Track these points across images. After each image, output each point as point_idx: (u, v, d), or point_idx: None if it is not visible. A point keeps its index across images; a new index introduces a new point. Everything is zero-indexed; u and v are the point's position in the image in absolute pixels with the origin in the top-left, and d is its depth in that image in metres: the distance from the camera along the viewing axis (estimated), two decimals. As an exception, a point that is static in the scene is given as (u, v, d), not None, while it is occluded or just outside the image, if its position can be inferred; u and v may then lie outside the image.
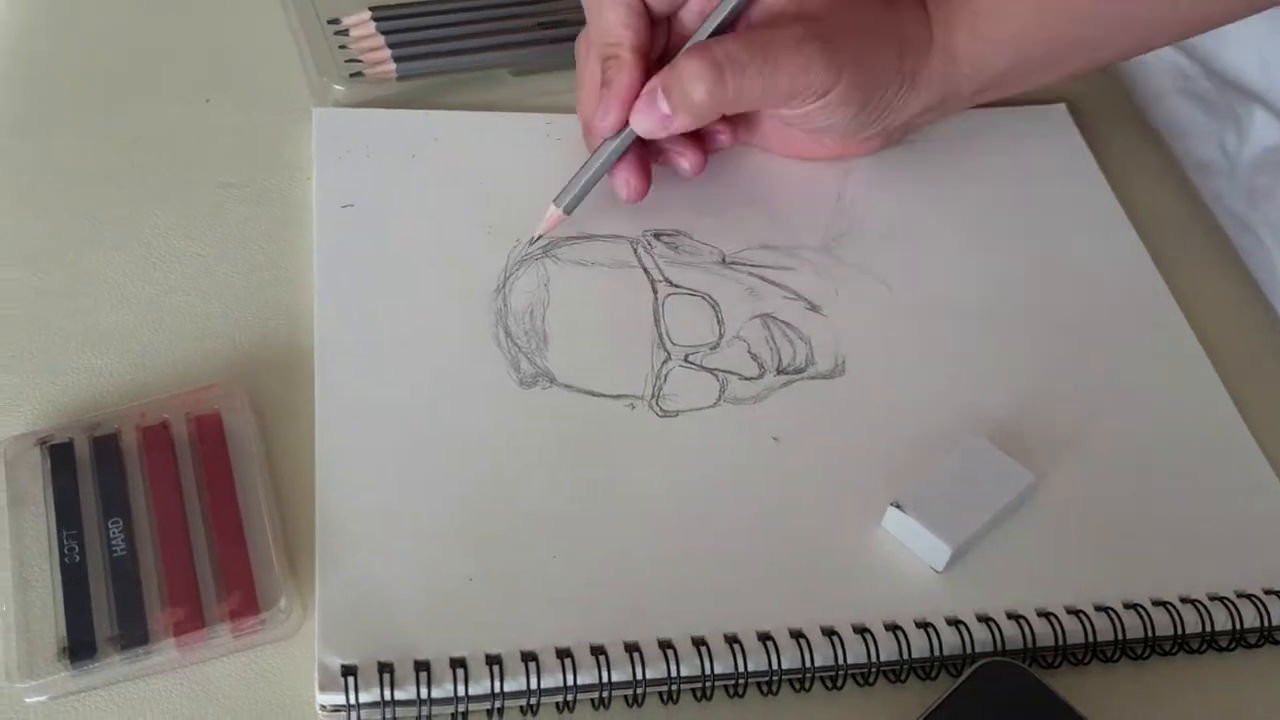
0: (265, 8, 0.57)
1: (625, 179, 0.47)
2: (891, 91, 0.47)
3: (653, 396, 0.44)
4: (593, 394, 0.44)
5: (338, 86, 0.53)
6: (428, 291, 0.46)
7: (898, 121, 0.49)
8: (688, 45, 0.46)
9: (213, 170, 0.50)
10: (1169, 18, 0.47)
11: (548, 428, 0.42)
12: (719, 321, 0.46)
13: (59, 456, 0.40)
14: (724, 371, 0.45)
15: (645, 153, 0.48)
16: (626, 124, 0.46)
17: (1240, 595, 0.40)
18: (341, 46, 0.55)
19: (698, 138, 0.49)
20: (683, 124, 0.45)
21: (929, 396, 0.45)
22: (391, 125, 0.52)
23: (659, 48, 0.48)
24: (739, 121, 0.51)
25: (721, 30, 0.46)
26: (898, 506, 0.40)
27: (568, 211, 0.47)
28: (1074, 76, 0.51)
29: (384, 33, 0.55)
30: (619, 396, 0.44)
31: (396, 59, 0.54)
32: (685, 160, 0.49)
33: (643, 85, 0.45)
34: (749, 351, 0.46)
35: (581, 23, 0.57)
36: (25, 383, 0.42)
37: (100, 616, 0.36)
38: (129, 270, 0.46)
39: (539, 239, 0.46)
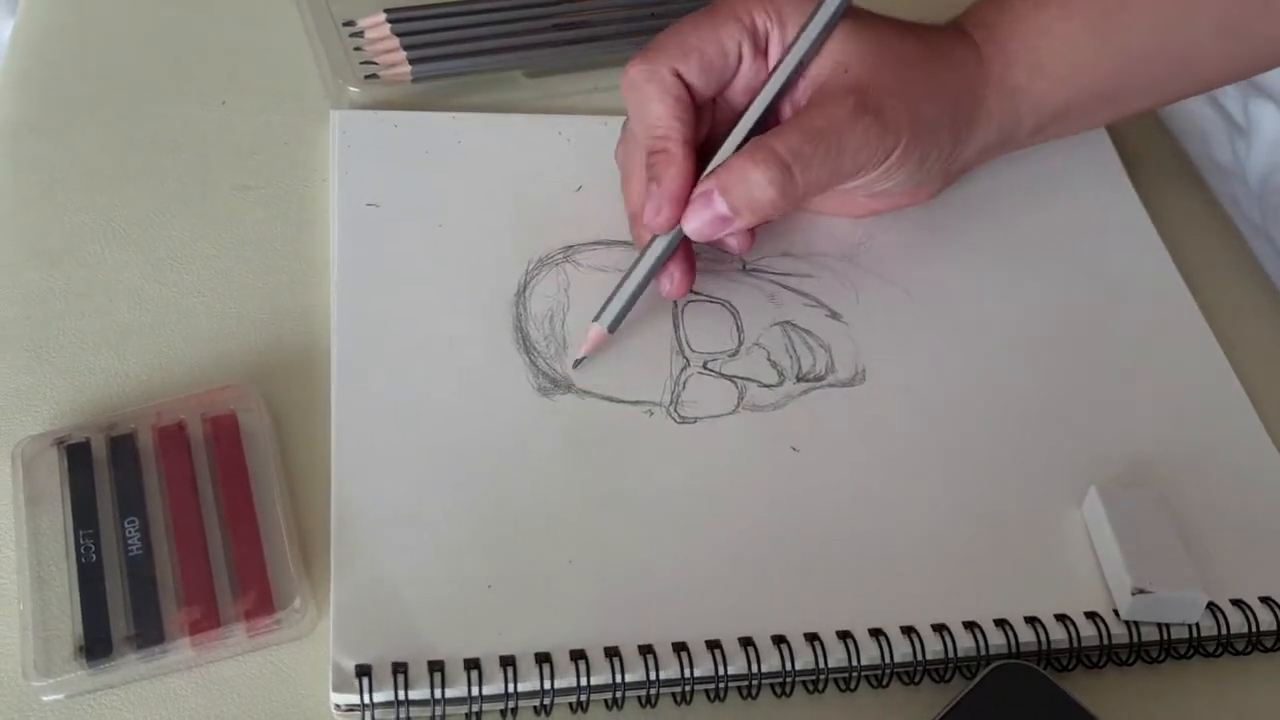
0: (280, 10, 0.57)
1: (671, 274, 0.45)
2: (948, 141, 0.46)
3: (671, 403, 0.44)
4: (611, 400, 0.44)
5: (353, 88, 0.53)
6: (447, 294, 0.46)
7: (957, 166, 0.48)
8: (736, 140, 0.44)
9: (229, 172, 0.50)
10: (1230, 55, 0.47)
11: (565, 433, 0.42)
12: (738, 328, 0.46)
13: (76, 456, 0.40)
14: (743, 379, 0.45)
15: (689, 245, 0.45)
16: (678, 222, 0.44)
17: (1260, 600, 0.40)
18: (357, 49, 0.55)
19: None
20: (746, 224, 0.43)
21: (949, 406, 0.45)
22: (411, 127, 0.52)
23: (702, 134, 0.46)
24: None
25: (767, 114, 0.44)
26: (1143, 591, 0.38)
27: (611, 330, 0.44)
28: (1134, 113, 0.51)
29: (399, 34, 0.55)
30: (638, 403, 0.44)
31: (411, 61, 0.54)
32: (734, 239, 0.46)
33: (693, 178, 0.44)
34: (768, 359, 0.46)
35: (599, 24, 0.58)
36: (43, 383, 0.43)
37: (116, 616, 0.36)
38: (146, 271, 0.46)
39: (580, 361, 0.44)
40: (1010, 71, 0.46)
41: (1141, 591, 0.39)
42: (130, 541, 0.38)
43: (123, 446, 0.40)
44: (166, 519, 0.39)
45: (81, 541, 0.38)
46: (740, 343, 0.46)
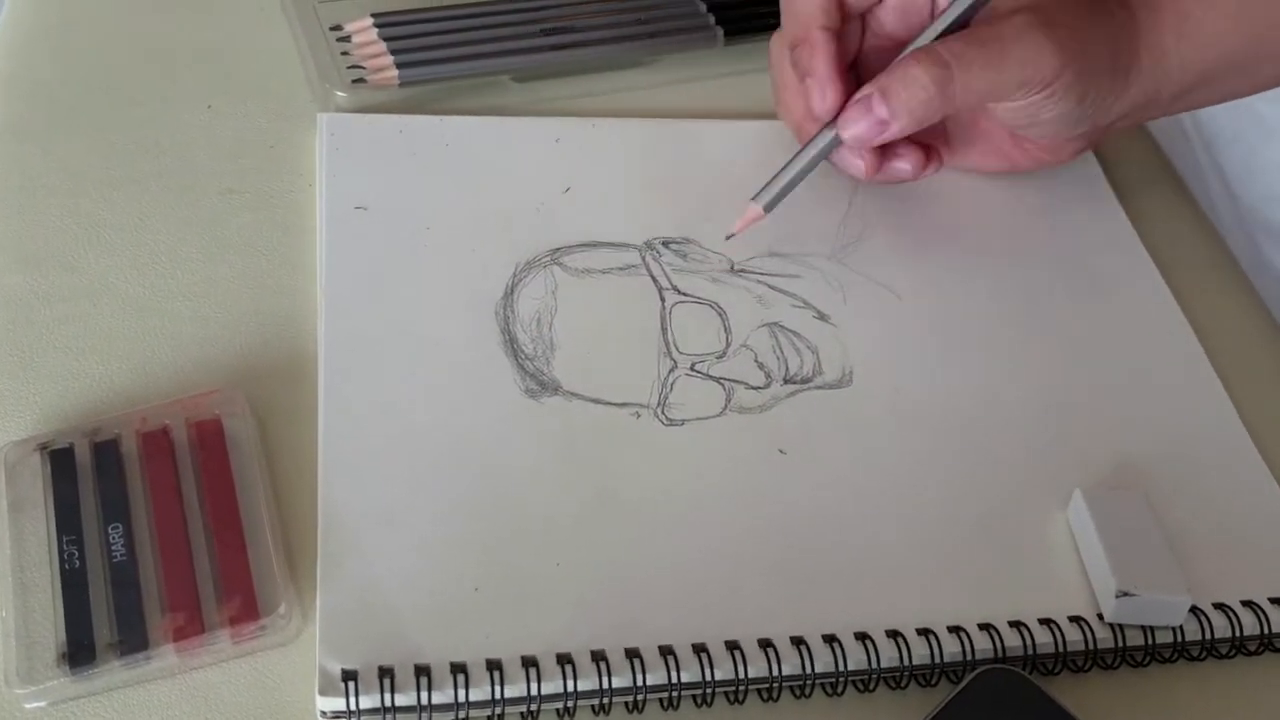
0: (267, 14, 0.57)
1: (862, 154, 0.45)
2: (1108, 84, 0.46)
3: (659, 405, 0.44)
4: (599, 402, 0.44)
5: (340, 93, 0.53)
6: (434, 297, 0.46)
7: (1105, 120, 0.47)
8: (907, 50, 0.44)
9: (215, 176, 0.50)
10: None
11: (553, 435, 0.42)
12: (726, 330, 0.46)
13: (59, 462, 0.40)
14: (730, 380, 0.45)
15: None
16: (842, 105, 0.44)
17: (1243, 603, 0.40)
18: (344, 53, 0.55)
19: (916, 144, 0.47)
20: (902, 128, 0.43)
21: (936, 408, 0.45)
22: (399, 130, 0.52)
23: (852, 51, 0.46)
24: (935, 135, 0.49)
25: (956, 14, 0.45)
26: (1127, 594, 0.39)
27: (768, 209, 0.44)
28: (1264, 86, 0.50)
29: (386, 39, 0.55)
30: (625, 405, 0.44)
31: (399, 65, 0.54)
32: (906, 161, 0.46)
33: (841, 59, 0.44)
34: (756, 361, 0.46)
35: (587, 29, 0.58)
36: (26, 387, 0.42)
37: (100, 622, 0.36)
38: (130, 276, 0.46)
39: (731, 237, 0.44)
40: (1160, 33, 0.46)
41: (1126, 594, 0.39)
42: (114, 547, 0.38)
43: (107, 452, 0.40)
44: (151, 525, 0.38)
45: (65, 547, 0.38)
46: (728, 344, 0.46)
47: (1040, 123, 0.46)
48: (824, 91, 0.44)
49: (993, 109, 0.46)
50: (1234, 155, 0.61)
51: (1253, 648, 0.40)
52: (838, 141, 0.45)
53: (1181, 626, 0.39)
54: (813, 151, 0.45)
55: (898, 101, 0.43)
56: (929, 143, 0.49)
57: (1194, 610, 0.40)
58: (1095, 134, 0.49)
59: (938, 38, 0.45)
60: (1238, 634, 0.40)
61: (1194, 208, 0.56)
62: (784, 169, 0.45)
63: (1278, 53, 0.48)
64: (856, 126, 0.44)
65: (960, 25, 0.45)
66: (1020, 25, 0.43)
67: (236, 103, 0.53)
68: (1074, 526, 0.42)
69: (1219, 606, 0.40)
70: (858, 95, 0.44)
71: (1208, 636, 0.40)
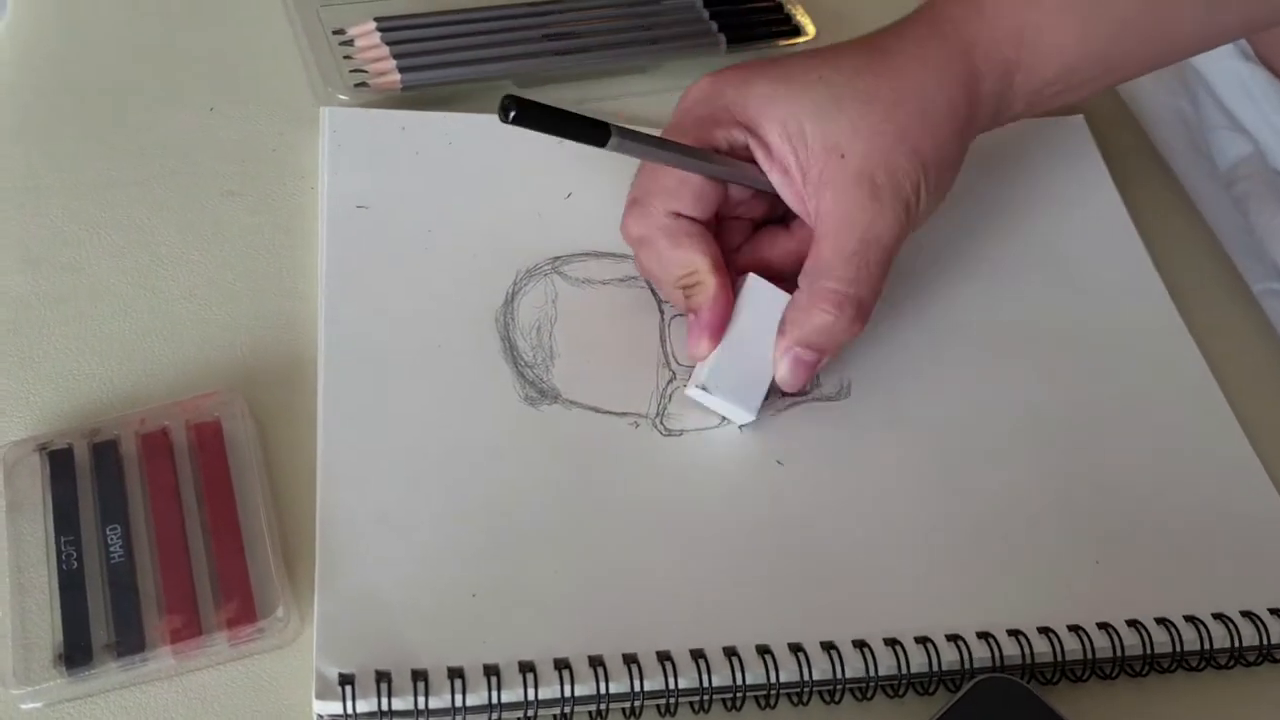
0: (270, 17, 0.57)
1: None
2: (960, 150, 0.45)
3: (657, 415, 0.44)
4: (598, 411, 0.44)
5: (342, 96, 0.53)
6: (435, 303, 0.46)
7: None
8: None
9: (216, 179, 0.50)
10: (1211, 22, 0.47)
11: (551, 443, 0.42)
12: None
13: (58, 462, 0.40)
14: None
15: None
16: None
17: (1242, 614, 0.40)
18: (346, 57, 0.55)
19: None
20: (835, 355, 0.44)
21: (933, 420, 0.45)
22: (402, 127, 0.51)
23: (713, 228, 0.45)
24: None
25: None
26: (703, 389, 0.42)
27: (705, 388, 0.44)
28: (1120, 82, 0.51)
29: (389, 43, 0.55)
30: (624, 414, 0.44)
31: (401, 69, 0.54)
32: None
33: (730, 300, 0.43)
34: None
35: (590, 34, 0.57)
36: (25, 388, 0.42)
37: (97, 623, 0.36)
38: (131, 277, 0.46)
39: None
40: (999, 47, 0.45)
41: (702, 387, 0.42)
42: (112, 549, 0.38)
43: (105, 453, 0.40)
44: (149, 526, 0.38)
45: (63, 548, 0.38)
46: None
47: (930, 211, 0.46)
48: (699, 340, 0.44)
49: None
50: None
51: (1252, 658, 0.40)
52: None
53: (1180, 635, 0.39)
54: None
55: (823, 344, 0.43)
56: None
57: (1193, 620, 0.40)
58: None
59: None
60: (1236, 644, 0.40)
61: (1198, 217, 0.56)
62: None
63: (1129, 54, 0.47)
64: (791, 376, 0.43)
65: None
66: (867, 205, 0.42)
67: (239, 105, 0.53)
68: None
69: (1218, 617, 0.40)
70: (780, 349, 0.43)
71: (1206, 647, 0.39)
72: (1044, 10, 0.45)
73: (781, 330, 0.43)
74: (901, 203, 0.43)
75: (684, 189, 0.43)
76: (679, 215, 0.43)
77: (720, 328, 0.43)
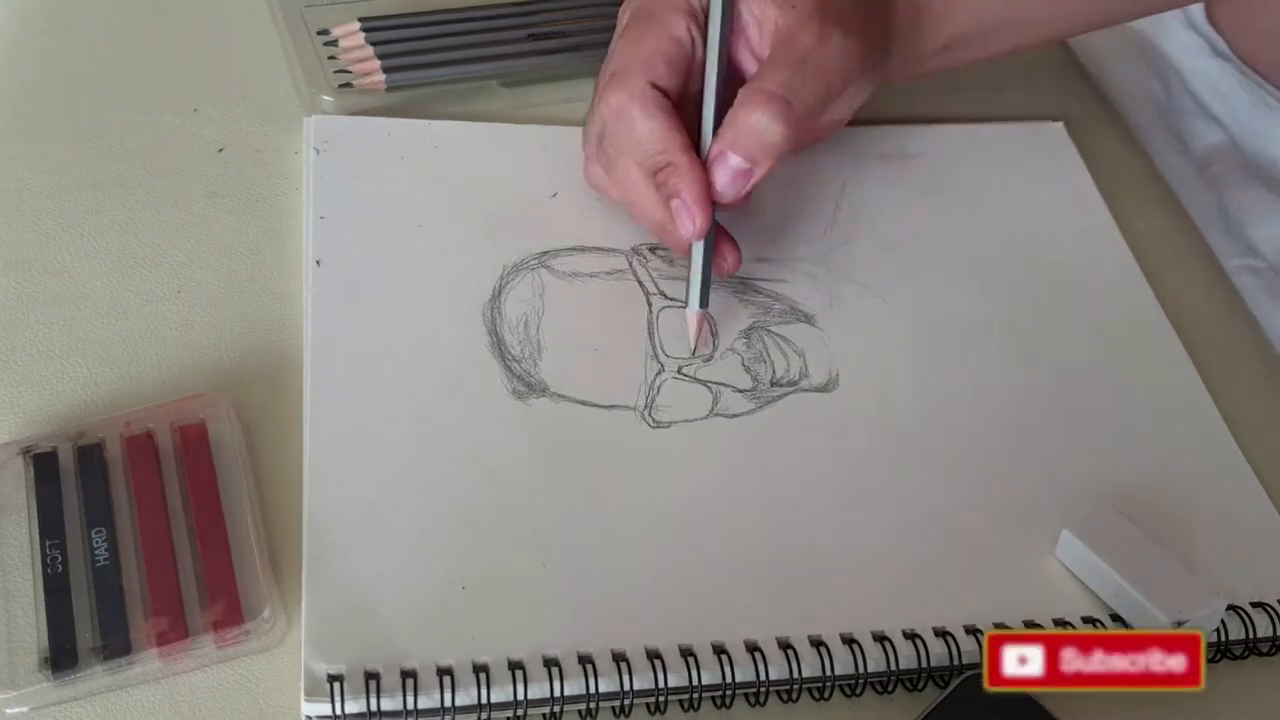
0: (254, 18, 0.57)
1: (724, 254, 0.46)
2: (888, 48, 0.47)
3: (646, 408, 0.44)
4: (586, 404, 0.44)
5: (326, 97, 0.53)
6: (421, 299, 0.46)
7: (874, 83, 0.48)
8: (711, 101, 0.45)
9: (200, 180, 0.50)
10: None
11: (540, 437, 0.42)
12: (712, 334, 0.46)
13: (43, 466, 0.39)
14: (717, 384, 0.45)
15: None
16: (711, 222, 0.45)
17: (1229, 608, 0.40)
18: (331, 57, 0.55)
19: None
20: (765, 170, 0.44)
21: (922, 411, 0.45)
22: (386, 132, 0.51)
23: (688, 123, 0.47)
24: None
25: (721, 68, 0.45)
26: (1180, 624, 0.38)
27: (704, 307, 0.45)
28: (1039, 42, 0.52)
29: (373, 44, 0.55)
30: (612, 407, 0.44)
31: (386, 70, 0.54)
32: (726, 261, 0.47)
33: (705, 177, 0.44)
34: (742, 364, 0.46)
35: (575, 34, 0.57)
36: (9, 391, 0.42)
37: (83, 627, 0.36)
38: (115, 280, 0.46)
39: (696, 351, 0.45)
40: None
41: (1180, 624, 0.39)
42: (97, 552, 0.37)
43: (90, 456, 0.40)
44: (134, 529, 0.38)
45: (48, 552, 0.37)
46: (714, 348, 0.46)
47: (854, 108, 0.48)
48: (693, 215, 0.44)
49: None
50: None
51: (1238, 652, 0.40)
52: (714, 232, 0.45)
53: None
54: (706, 248, 0.45)
55: (752, 149, 0.44)
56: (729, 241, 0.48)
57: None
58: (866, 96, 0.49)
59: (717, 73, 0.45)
60: (1223, 639, 0.40)
61: (1186, 219, 0.56)
62: (693, 271, 0.45)
63: (1048, 13, 0.49)
64: (721, 184, 0.44)
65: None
66: (818, 35, 0.44)
67: (223, 106, 0.53)
68: (1069, 562, 0.41)
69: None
70: (712, 153, 0.44)
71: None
72: None
73: (715, 136, 0.44)
74: (849, 42, 0.44)
75: (659, 59, 0.45)
76: (655, 86, 0.45)
77: (706, 199, 0.44)
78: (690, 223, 0.44)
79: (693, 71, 0.46)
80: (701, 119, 0.46)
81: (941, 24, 0.48)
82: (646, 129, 0.44)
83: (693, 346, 0.45)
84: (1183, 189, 0.57)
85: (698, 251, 0.45)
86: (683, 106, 0.46)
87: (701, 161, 0.45)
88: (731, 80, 0.46)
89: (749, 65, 0.47)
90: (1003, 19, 0.49)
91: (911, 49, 0.48)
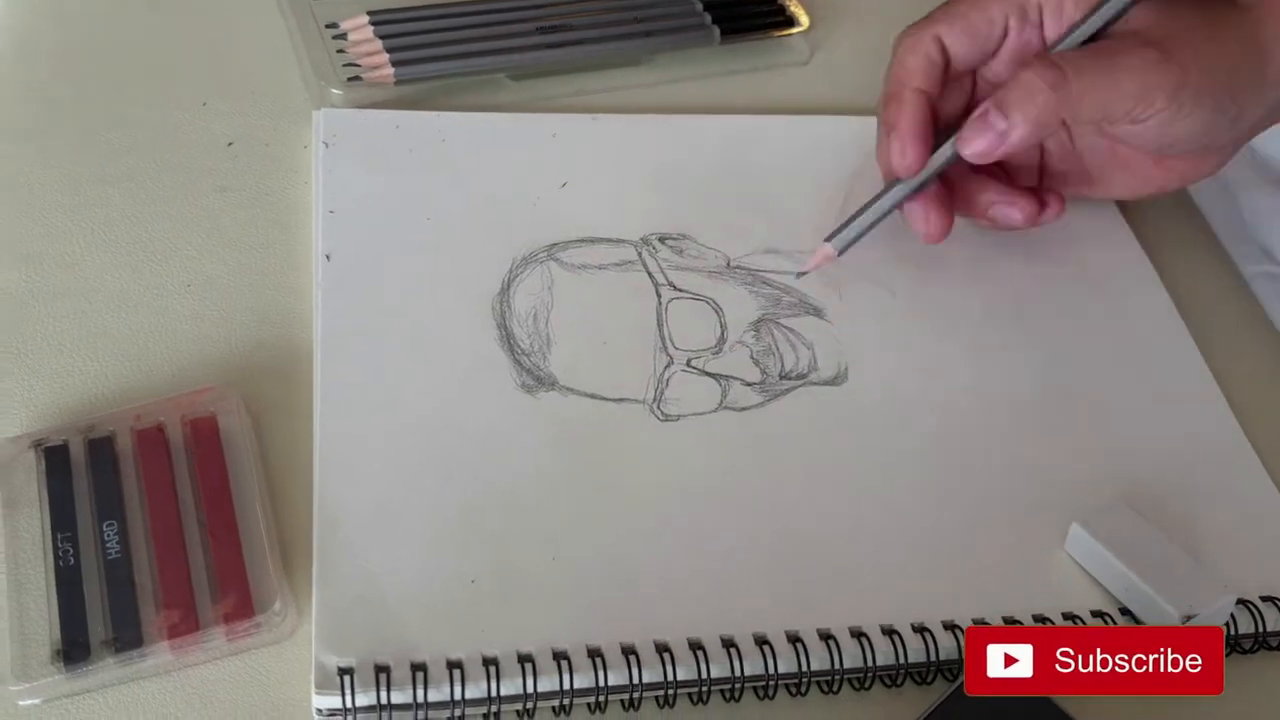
0: (263, 12, 0.57)
1: (926, 215, 0.46)
2: (1241, 87, 0.44)
3: (655, 400, 0.44)
4: (595, 397, 0.44)
5: (335, 90, 0.53)
6: (430, 293, 0.46)
7: (1246, 124, 0.46)
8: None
9: (209, 174, 0.50)
10: None
11: (549, 430, 0.42)
12: (722, 326, 0.46)
13: (54, 459, 0.39)
14: (726, 376, 0.45)
15: (946, 193, 0.46)
16: (922, 162, 0.45)
17: (1239, 602, 0.40)
18: (339, 50, 0.55)
19: (1030, 191, 0.47)
20: (1022, 136, 0.43)
21: (931, 406, 0.45)
22: (395, 126, 0.51)
23: (960, 105, 0.47)
24: (1076, 174, 0.49)
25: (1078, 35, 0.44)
26: (1190, 618, 0.38)
27: (840, 252, 0.45)
28: None
29: (382, 37, 0.55)
30: (621, 400, 0.44)
31: (394, 63, 0.54)
32: (1017, 209, 0.46)
33: (928, 120, 0.44)
34: (751, 357, 0.46)
35: (583, 27, 0.58)
36: (20, 385, 0.42)
37: (94, 619, 0.36)
38: (125, 274, 0.46)
39: (801, 275, 0.45)
40: None
41: (1189, 618, 0.38)
42: (109, 545, 0.38)
43: (101, 449, 0.40)
44: (145, 522, 0.38)
45: (59, 545, 0.38)
46: (723, 340, 0.46)
47: (1178, 139, 0.45)
48: (904, 149, 0.44)
49: (1129, 135, 0.45)
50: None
51: (1247, 645, 0.40)
52: (919, 185, 0.45)
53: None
54: (889, 202, 0.45)
55: (1015, 110, 0.42)
56: (1051, 189, 0.48)
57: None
58: (1240, 136, 0.47)
59: None
60: (1232, 633, 0.40)
61: (1203, 224, 0.55)
62: (860, 213, 0.45)
63: None
64: (976, 143, 0.43)
65: None
66: (1130, 42, 0.43)
67: (232, 100, 0.53)
68: (1078, 556, 0.41)
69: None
70: (976, 112, 0.44)
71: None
72: None
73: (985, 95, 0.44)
74: (1161, 62, 0.42)
75: (959, 22, 0.45)
76: (939, 41, 0.45)
77: (920, 137, 0.44)
78: (899, 155, 0.44)
79: (989, 58, 0.46)
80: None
81: None
82: (904, 65, 0.45)
83: (803, 270, 0.46)
84: (1198, 191, 0.56)
85: (883, 197, 0.45)
86: (961, 80, 0.46)
87: (930, 104, 0.45)
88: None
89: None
90: None
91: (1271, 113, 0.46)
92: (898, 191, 0.45)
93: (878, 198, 0.46)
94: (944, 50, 0.46)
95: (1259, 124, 0.47)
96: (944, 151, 0.45)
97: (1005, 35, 0.45)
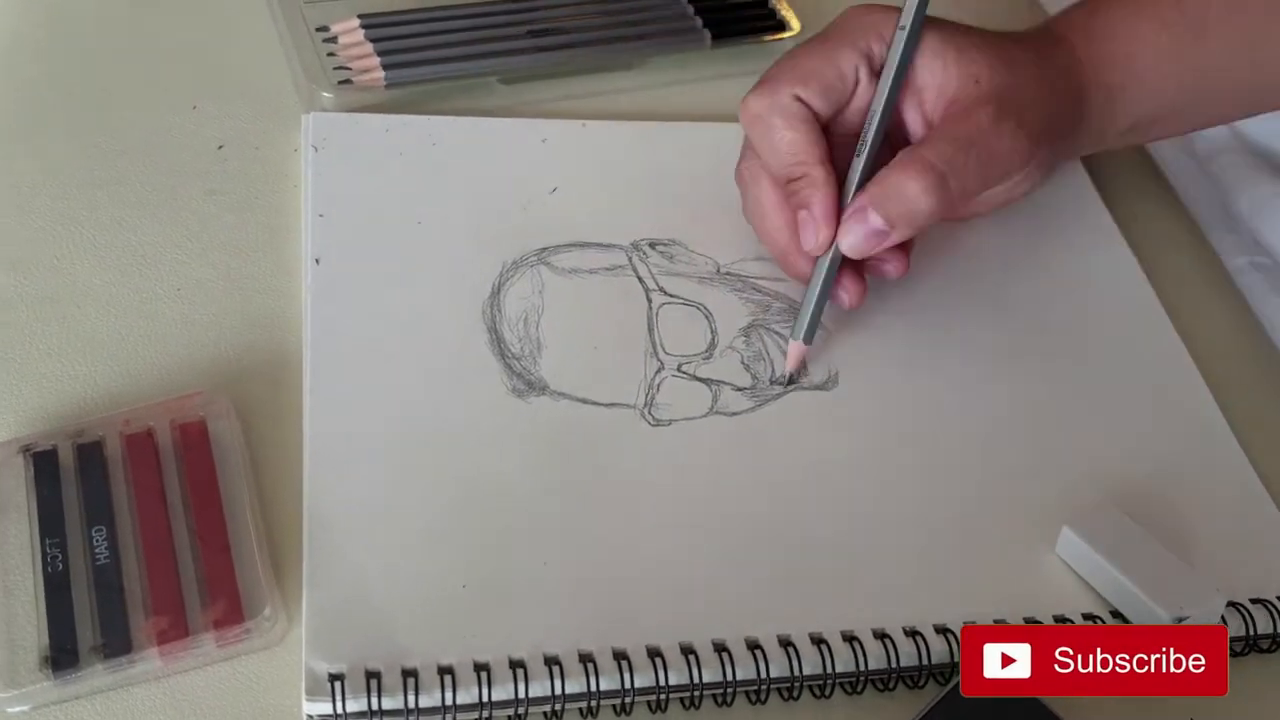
0: (253, 15, 0.57)
1: (846, 287, 0.46)
2: (1069, 141, 0.47)
3: (645, 405, 0.44)
4: (585, 402, 0.44)
5: (326, 94, 0.52)
6: (420, 297, 0.46)
7: (1058, 164, 0.48)
8: (869, 151, 0.44)
9: (199, 177, 0.50)
10: None
11: (540, 435, 0.42)
12: (712, 331, 0.46)
13: (42, 464, 0.39)
14: (716, 381, 0.45)
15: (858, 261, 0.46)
16: (832, 243, 0.44)
17: (1230, 605, 0.40)
18: (330, 54, 0.54)
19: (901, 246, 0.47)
20: (903, 236, 0.43)
21: (921, 411, 0.45)
22: (385, 130, 0.51)
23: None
24: None
25: (885, 120, 0.45)
26: (1181, 620, 0.38)
27: (808, 342, 0.45)
28: (1217, 123, 0.53)
29: (372, 40, 0.55)
30: (612, 405, 0.44)
31: (385, 66, 0.54)
32: (890, 264, 0.47)
33: (839, 196, 0.44)
34: (742, 362, 0.46)
35: (575, 31, 0.57)
36: (9, 389, 0.42)
37: (83, 625, 0.36)
38: (114, 278, 0.46)
39: (783, 377, 0.45)
40: (1107, 72, 0.47)
41: (1180, 620, 0.38)
42: (97, 550, 0.37)
43: (90, 454, 0.40)
44: (135, 527, 0.38)
45: (48, 550, 0.37)
46: (714, 346, 0.46)
47: (1017, 196, 0.47)
48: (819, 230, 0.44)
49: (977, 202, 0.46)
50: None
51: (1239, 649, 0.40)
52: (839, 259, 0.45)
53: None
54: (826, 278, 0.45)
55: (895, 214, 0.43)
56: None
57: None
58: (1052, 173, 0.49)
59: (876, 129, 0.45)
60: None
61: (1187, 219, 0.56)
62: (806, 302, 0.45)
63: (1225, 96, 0.49)
64: (854, 238, 0.43)
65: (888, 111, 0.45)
66: (991, 120, 0.43)
67: (221, 103, 0.53)
68: (1069, 559, 0.41)
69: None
70: (853, 207, 0.44)
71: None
72: (1148, 45, 0.47)
73: (861, 189, 0.44)
74: (1020, 136, 0.44)
75: (814, 79, 0.44)
76: (801, 100, 0.44)
77: (834, 216, 0.44)
78: (813, 236, 0.44)
79: (843, 110, 0.45)
80: (850, 166, 0.45)
81: (1131, 107, 0.48)
82: (785, 138, 0.44)
83: (787, 376, 0.45)
84: (1184, 185, 0.57)
85: (816, 279, 0.45)
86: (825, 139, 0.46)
87: (838, 180, 0.44)
88: (890, 136, 0.45)
89: (915, 126, 0.46)
90: (1187, 101, 0.49)
91: (1098, 131, 0.48)
92: (829, 267, 0.45)
93: (815, 282, 0.45)
94: (809, 108, 0.45)
95: (1067, 160, 0.50)
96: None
97: (856, 86, 0.45)
